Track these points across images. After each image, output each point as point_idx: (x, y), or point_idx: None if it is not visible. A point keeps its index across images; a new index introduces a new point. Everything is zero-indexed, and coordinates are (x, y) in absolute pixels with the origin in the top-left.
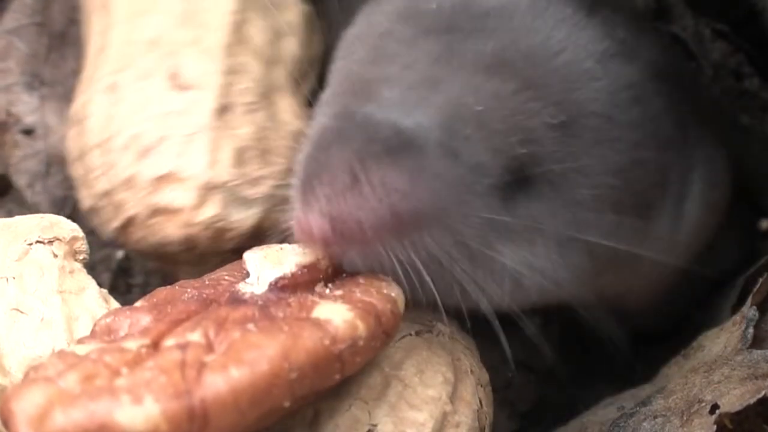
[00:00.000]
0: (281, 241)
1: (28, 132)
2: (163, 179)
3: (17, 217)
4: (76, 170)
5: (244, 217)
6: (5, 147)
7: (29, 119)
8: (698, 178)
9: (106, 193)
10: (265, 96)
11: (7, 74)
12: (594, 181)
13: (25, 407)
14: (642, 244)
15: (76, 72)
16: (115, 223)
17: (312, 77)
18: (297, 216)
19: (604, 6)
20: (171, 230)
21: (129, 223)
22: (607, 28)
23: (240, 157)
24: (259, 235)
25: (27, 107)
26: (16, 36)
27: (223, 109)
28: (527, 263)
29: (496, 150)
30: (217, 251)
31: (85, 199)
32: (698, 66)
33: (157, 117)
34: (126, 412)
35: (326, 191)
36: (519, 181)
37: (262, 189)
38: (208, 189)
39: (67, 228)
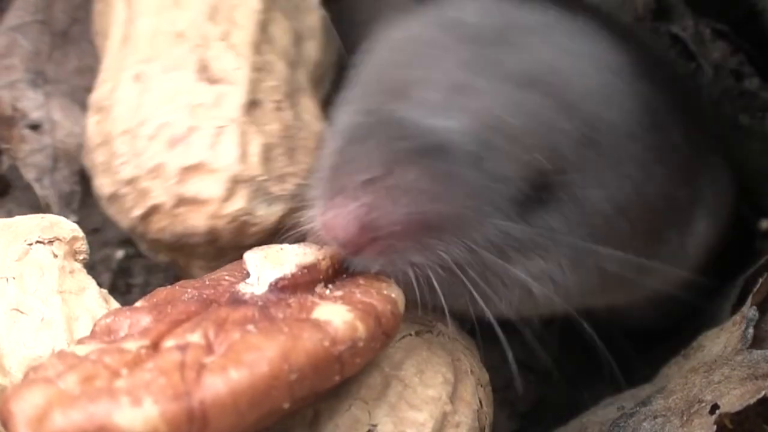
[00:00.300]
0: (297, 239)
1: (35, 127)
2: (191, 169)
3: (17, 217)
4: (97, 157)
5: (269, 213)
6: (12, 141)
7: (35, 114)
8: (708, 192)
9: (131, 181)
10: (290, 96)
11: (11, 71)
12: (613, 197)
13: (24, 408)
14: (652, 259)
15: (79, 70)
16: (138, 211)
17: (327, 83)
18: (321, 211)
19: (619, 20)
20: (197, 221)
21: (153, 211)
22: (626, 43)
23: (268, 154)
24: (279, 233)
25: (32, 103)
26: (20, 33)
27: (252, 105)
28: (539, 275)
29: (522, 163)
30: (238, 246)
31: (106, 186)
32: (698, 66)
33: (185, 108)
34: (125, 414)
35: (353, 188)
36: (540, 194)
37: (287, 187)
38: (237, 182)
39: (67, 228)
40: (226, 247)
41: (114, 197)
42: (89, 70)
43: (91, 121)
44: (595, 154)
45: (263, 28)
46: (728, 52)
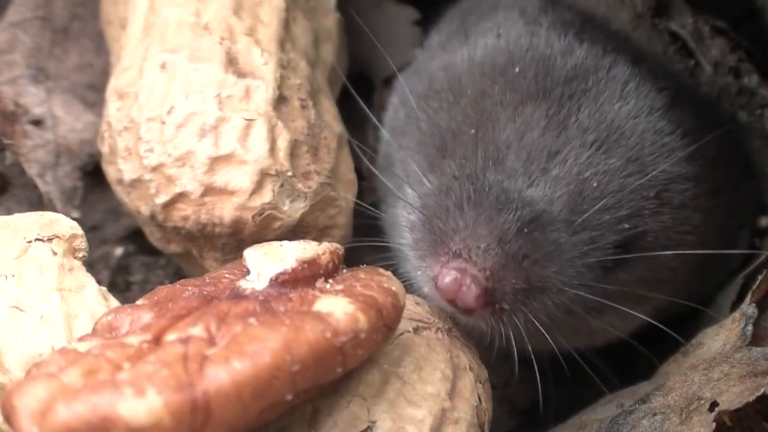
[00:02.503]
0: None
1: (37, 123)
2: (221, 160)
3: (16, 215)
4: (119, 143)
5: (293, 209)
6: (15, 136)
7: (37, 110)
8: (748, 213)
9: (157, 167)
10: (312, 95)
11: (12, 66)
12: (675, 242)
13: (27, 402)
14: (704, 284)
15: (79, 66)
16: (163, 198)
17: (339, 86)
18: (434, 271)
19: (644, 56)
20: (224, 211)
21: (178, 199)
22: (655, 79)
23: (295, 150)
24: (298, 231)
25: (34, 99)
26: (21, 29)
27: (280, 100)
28: (609, 324)
29: (608, 226)
30: (258, 239)
31: (128, 172)
32: (697, 63)
33: (215, 99)
34: (129, 405)
35: (470, 254)
36: (621, 255)
37: (311, 184)
38: (265, 175)
39: (66, 225)
40: (246, 239)
41: (136, 183)
42: (89, 67)
43: (112, 107)
44: (666, 211)
45: (286, 26)
46: (727, 49)
